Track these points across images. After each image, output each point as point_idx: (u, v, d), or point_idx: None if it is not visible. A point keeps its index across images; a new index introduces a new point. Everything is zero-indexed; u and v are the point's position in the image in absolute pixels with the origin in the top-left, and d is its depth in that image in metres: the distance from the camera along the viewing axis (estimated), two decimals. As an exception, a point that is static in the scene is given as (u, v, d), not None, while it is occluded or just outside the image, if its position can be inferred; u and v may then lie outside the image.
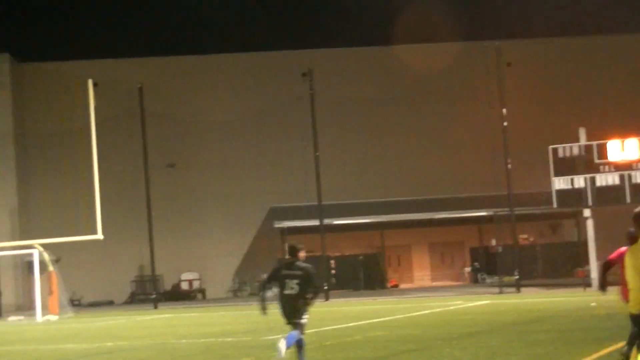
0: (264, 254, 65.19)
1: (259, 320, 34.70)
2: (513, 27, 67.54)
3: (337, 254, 63.25)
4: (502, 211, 51.33)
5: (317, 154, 51.96)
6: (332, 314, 36.55)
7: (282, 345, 16.13)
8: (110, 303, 64.16)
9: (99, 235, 46.43)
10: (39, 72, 67.63)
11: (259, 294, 17.26)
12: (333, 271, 60.98)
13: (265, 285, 17.04)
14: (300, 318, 16.39)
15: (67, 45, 74.25)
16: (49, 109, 65.00)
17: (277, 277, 16.63)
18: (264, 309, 16.82)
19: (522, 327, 24.19)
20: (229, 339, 26.14)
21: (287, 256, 17.22)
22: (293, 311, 16.37)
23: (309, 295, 16.41)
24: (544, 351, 18.41)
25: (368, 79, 67.27)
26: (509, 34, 64.91)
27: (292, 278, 16.33)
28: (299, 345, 16.58)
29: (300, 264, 16.46)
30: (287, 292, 16.35)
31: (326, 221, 53.75)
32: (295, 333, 16.34)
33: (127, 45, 74.71)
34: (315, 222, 52.82)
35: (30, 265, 51.12)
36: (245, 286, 65.83)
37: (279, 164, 66.54)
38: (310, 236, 57.75)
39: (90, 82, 47.57)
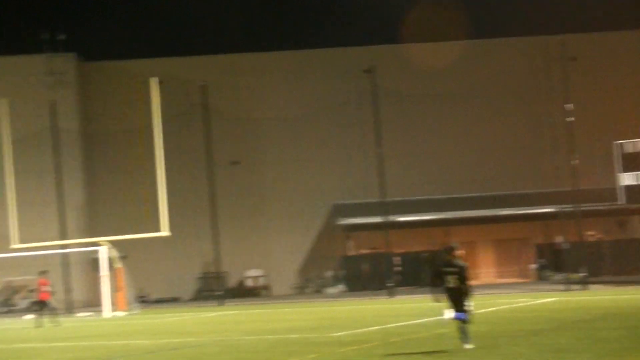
0: (329, 251, 65.44)
1: (323, 317, 34.95)
2: (577, 20, 66.73)
3: (402, 250, 63.08)
4: (568, 207, 50.84)
5: (380, 150, 51.83)
6: (397, 311, 36.54)
7: (450, 314, 19.15)
8: (176, 300, 64.77)
9: (165, 232, 46.84)
10: (104, 70, 68.50)
11: (430, 286, 19.81)
12: (398, 268, 60.82)
13: (433, 281, 19.66)
14: (464, 307, 18.97)
15: (132, 43, 75.02)
16: (115, 107, 65.82)
17: (439, 274, 19.34)
18: (436, 300, 19.50)
19: (589, 324, 23.93)
20: (294, 336, 26.22)
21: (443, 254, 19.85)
22: (456, 302, 18.98)
23: (465, 288, 19.00)
24: (611, 348, 18.22)
25: (430, 75, 67.02)
26: (573, 28, 64.17)
27: (451, 274, 19.02)
28: (463, 323, 19.17)
29: (457, 261, 19.20)
30: (449, 286, 19.02)
31: (390, 218, 53.63)
32: (463, 315, 19.02)
33: (191, 43, 75.29)
34: (379, 219, 52.74)
35: (97, 262, 51.77)
36: (310, 283, 66.03)
37: (342, 161, 66.57)
38: (374, 233, 57.82)
39: (154, 81, 47.99)
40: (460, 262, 19.20)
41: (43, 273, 42.64)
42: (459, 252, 19.47)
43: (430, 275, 20.50)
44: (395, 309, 38.91)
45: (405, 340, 22.64)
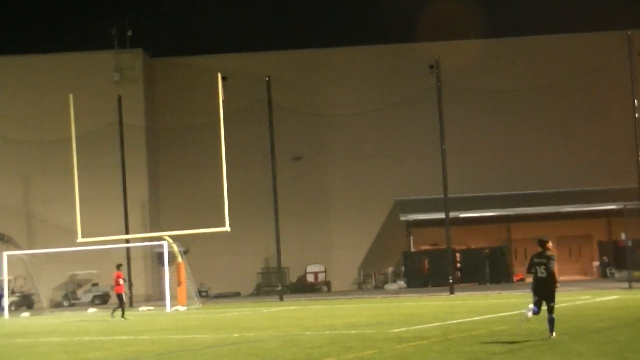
0: (389, 247, 65.40)
1: (383, 313, 34.93)
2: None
3: (463, 247, 62.88)
4: (632, 204, 50.23)
5: (444, 146, 51.64)
6: (457, 308, 36.41)
7: (529, 312, 20.48)
8: (236, 294, 65.17)
9: (227, 228, 47.11)
10: (170, 66, 69.18)
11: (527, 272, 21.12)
12: (458, 264, 60.63)
13: (529, 270, 20.91)
14: (552, 301, 20.38)
15: (198, 39, 75.62)
16: (180, 102, 66.48)
17: (531, 264, 20.68)
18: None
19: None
20: (353, 332, 26.24)
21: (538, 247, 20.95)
22: (545, 292, 20.39)
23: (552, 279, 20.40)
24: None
25: (495, 70, 66.78)
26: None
27: (540, 265, 20.43)
28: (551, 322, 20.55)
29: (547, 253, 20.59)
30: (539, 275, 20.43)
31: (452, 214, 53.42)
32: (552, 317, 20.44)
33: (255, 39, 75.69)
34: (441, 215, 52.57)
35: (159, 256, 52.28)
36: (370, 279, 66.04)
37: (405, 157, 66.52)
38: (435, 229, 57.67)
39: (219, 76, 48.30)
40: (550, 254, 20.69)
41: (119, 267, 43.11)
42: (550, 245, 20.98)
43: (526, 266, 21.26)
44: (454, 305, 38.77)
45: (464, 337, 22.55)
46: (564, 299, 37.90)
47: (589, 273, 64.12)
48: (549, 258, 20.62)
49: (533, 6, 69.48)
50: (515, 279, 61.83)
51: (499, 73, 66.75)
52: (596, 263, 63.85)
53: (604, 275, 61.19)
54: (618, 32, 57.79)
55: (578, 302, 35.98)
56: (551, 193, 63.77)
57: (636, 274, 49.48)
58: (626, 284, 46.63)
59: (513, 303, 37.50)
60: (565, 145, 66.20)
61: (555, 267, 20.70)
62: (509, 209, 63.08)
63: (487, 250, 62.39)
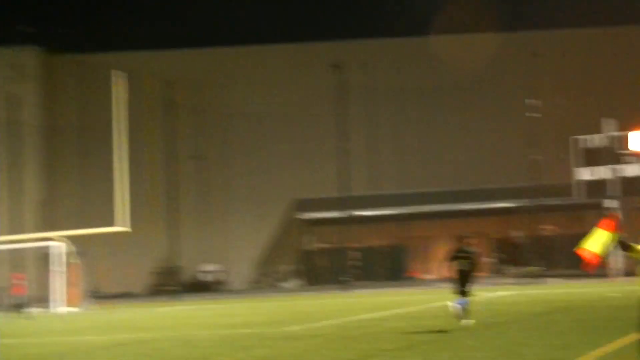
0: (287, 246, 65.34)
1: (279, 312, 34.84)
2: (541, 18, 67.04)
3: (361, 245, 63.15)
4: (526, 202, 51.11)
5: (344, 145, 51.71)
6: (353, 305, 36.53)
7: (454, 305, 22.47)
8: (131, 294, 64.26)
9: (125, 228, 46.36)
10: (69, 64, 67.85)
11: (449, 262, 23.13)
12: (355, 262, 60.87)
13: (450, 262, 22.92)
14: (468, 287, 22.55)
15: (98, 37, 74.24)
16: (78, 101, 65.30)
17: (454, 257, 22.77)
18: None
19: (543, 317, 24.07)
20: (249, 330, 26.09)
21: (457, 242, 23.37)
22: (464, 282, 22.49)
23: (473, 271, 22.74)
24: (564, 342, 18.27)
25: (397, 71, 67.14)
26: (537, 25, 64.44)
27: (463, 258, 22.56)
28: (464, 307, 22.47)
29: (469, 248, 22.87)
30: (460, 268, 22.48)
31: (349, 213, 53.59)
32: (463, 300, 22.36)
33: (158, 37, 74.64)
34: (339, 214, 52.71)
35: (50, 257, 51.26)
36: (267, 277, 65.88)
37: (305, 156, 66.51)
38: (333, 228, 57.81)
39: (120, 75, 47.51)
40: (471, 249, 23.01)
41: (17, 268, 42.08)
42: (471, 241, 23.62)
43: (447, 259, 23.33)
44: (351, 303, 38.91)
45: (360, 335, 22.59)
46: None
47: (484, 270, 64.96)
48: (471, 252, 22.75)
49: (433, 5, 70.01)
50: (412, 276, 62.32)
51: (400, 73, 67.13)
52: (490, 260, 64.75)
53: (498, 272, 62.10)
54: (516, 33, 58.73)
55: (472, 299, 36.32)
56: (448, 191, 64.43)
57: (529, 270, 50.42)
58: (519, 280, 47.43)
59: (408, 300, 37.83)
60: (461, 144, 66.94)
61: (478, 261, 23.39)
62: (406, 208, 63.58)
63: (384, 248, 62.79)
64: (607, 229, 11.08)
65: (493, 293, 39.52)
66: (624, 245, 11.18)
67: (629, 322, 20.36)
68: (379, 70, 66.68)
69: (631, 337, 17.47)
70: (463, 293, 22.57)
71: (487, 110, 66.78)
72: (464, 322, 22.23)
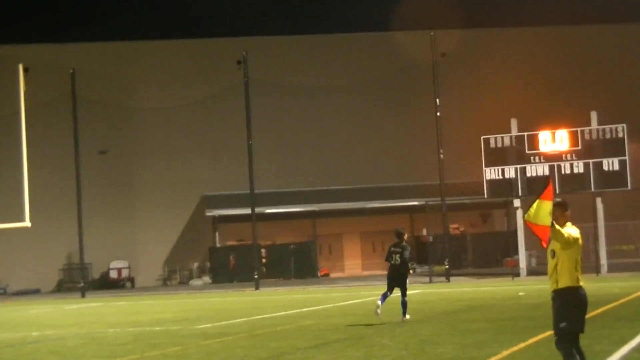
0: (196, 243, 64.95)
1: (189, 309, 34.57)
2: (449, 17, 67.67)
3: (269, 242, 63.10)
4: (434, 201, 51.58)
5: (251, 142, 51.60)
6: (262, 303, 36.42)
7: (405, 316, 23.05)
8: (37, 291, 63.19)
9: (27, 223, 45.54)
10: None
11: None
12: (264, 260, 60.83)
13: (387, 259, 23.59)
14: (404, 285, 23.25)
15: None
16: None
17: (389, 253, 23.48)
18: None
19: (451, 316, 24.29)
20: (158, 328, 25.82)
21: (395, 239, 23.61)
22: (398, 278, 23.24)
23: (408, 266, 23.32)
24: (473, 340, 18.44)
25: (304, 67, 67.22)
26: (446, 25, 65.05)
27: (396, 253, 23.22)
28: (404, 305, 23.15)
29: (403, 243, 23.30)
30: (393, 263, 23.28)
31: (258, 209, 53.48)
32: (405, 301, 23.17)
33: (61, 29, 73.42)
34: (248, 211, 52.54)
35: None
36: (175, 274, 65.35)
37: (213, 152, 66.13)
38: (242, 224, 57.56)
39: (20, 67, 46.58)
40: (404, 244, 23.39)
41: None
42: (406, 237, 23.94)
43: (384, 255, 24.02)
44: (260, 301, 38.80)
45: (270, 333, 22.52)
46: (368, 293, 38.49)
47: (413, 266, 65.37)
48: (404, 248, 23.20)
49: (343, 4, 70.28)
50: (320, 273, 62.46)
51: (307, 69, 67.22)
52: (399, 258, 65.21)
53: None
54: (423, 32, 59.12)
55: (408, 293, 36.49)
56: (357, 189, 64.74)
57: (437, 268, 50.87)
58: (427, 279, 47.82)
59: (318, 298, 37.86)
60: (371, 142, 67.29)
61: (408, 256, 23.30)
62: (315, 205, 63.70)
63: (293, 246, 62.83)
64: (549, 198, 11.08)
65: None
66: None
67: (538, 321, 20.71)
68: (286, 66, 66.67)
69: (541, 336, 17.74)
70: (402, 290, 23.30)
71: (398, 109, 67.25)
72: (406, 318, 23.12)
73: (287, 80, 64.83)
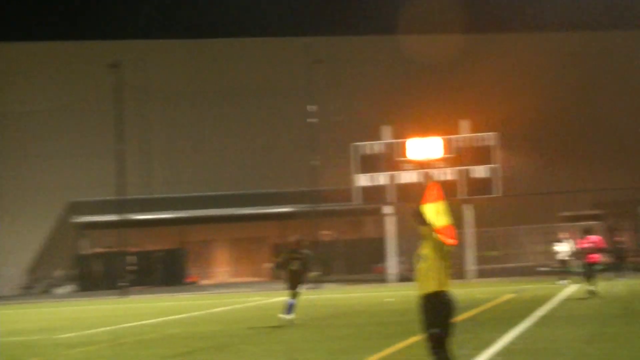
0: (60, 250, 63.35)
1: (51, 319, 33.52)
2: (323, 24, 67.94)
3: (138, 249, 61.99)
4: (305, 207, 51.48)
5: (120, 147, 50.61)
6: (130, 311, 35.65)
7: (288, 315, 23.38)
8: None
9: None
10: None
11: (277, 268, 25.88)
12: (132, 267, 59.66)
13: (283, 265, 23.98)
14: (299, 288, 23.73)
15: None
16: None
17: (286, 259, 23.82)
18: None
19: (321, 322, 24.11)
20: (18, 339, 24.86)
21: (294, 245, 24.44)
22: (295, 282, 23.56)
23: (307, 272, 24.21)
24: (342, 346, 18.27)
25: (177, 72, 66.44)
26: (318, 31, 65.25)
27: (294, 259, 23.65)
28: (292, 305, 23.64)
29: (301, 250, 23.95)
30: (292, 268, 23.56)
31: (126, 216, 52.52)
32: (293, 301, 23.48)
33: None
34: (115, 217, 51.52)
35: None
36: (39, 282, 63.53)
37: (81, 157, 64.63)
38: (109, 231, 56.47)
39: None
40: (305, 251, 24.14)
41: None
42: (304, 243, 24.80)
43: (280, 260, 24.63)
44: (127, 309, 37.96)
45: (136, 341, 21.93)
46: (237, 300, 38.14)
47: (262, 275, 65.14)
48: (303, 254, 23.89)
49: (218, 8, 69.68)
50: (189, 281, 61.69)
51: (180, 74, 66.47)
52: (269, 265, 64.95)
53: (276, 277, 62.28)
54: (297, 38, 59.15)
55: (250, 304, 36.26)
56: (227, 195, 64.17)
57: (310, 276, 50.66)
58: (297, 285, 47.56)
59: (187, 305, 37.29)
60: (242, 148, 66.86)
61: (309, 263, 24.39)
62: (184, 211, 62.86)
63: (161, 253, 61.90)
64: (441, 198, 10.97)
65: (272, 298, 39.48)
66: (422, 219, 11.03)
67: (406, 326, 20.64)
68: (157, 71, 65.82)
69: (409, 341, 17.67)
70: (294, 294, 23.57)
71: (268, 115, 67.03)
72: (288, 317, 23.47)
73: (159, 85, 63.99)
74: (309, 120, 49.87)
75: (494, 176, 45.13)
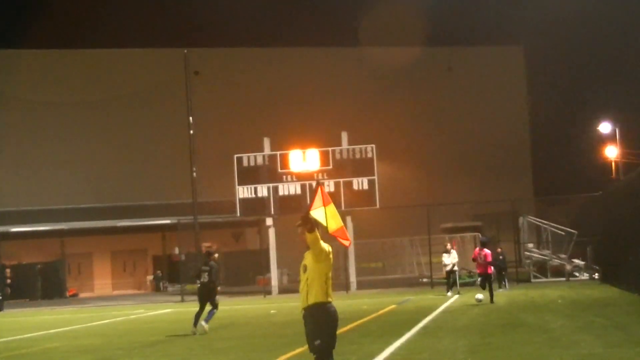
0: None
1: None
2: (202, 35, 67.81)
3: (14, 262, 60.69)
4: (186, 219, 51.17)
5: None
6: (7, 325, 34.82)
7: (205, 323, 23.87)
8: None
9: None
10: None
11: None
12: (9, 280, 58.36)
13: (195, 278, 24.68)
14: (214, 299, 24.12)
15: None
16: None
17: (198, 271, 24.27)
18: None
19: (204, 335, 23.95)
20: None
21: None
22: (206, 294, 23.99)
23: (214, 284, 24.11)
24: (227, 359, 18.23)
25: (53, 82, 65.35)
26: (198, 42, 65.09)
27: (204, 272, 24.06)
28: (211, 314, 24.20)
29: (211, 262, 24.15)
30: (202, 280, 24.03)
31: (2, 228, 51.37)
32: (213, 311, 24.07)
33: None
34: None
35: None
36: None
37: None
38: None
39: None
40: (213, 263, 24.27)
41: None
42: (215, 256, 24.90)
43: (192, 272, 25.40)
44: (4, 322, 37.08)
45: (14, 356, 21.47)
46: (119, 313, 37.65)
47: (143, 287, 64.52)
48: (212, 267, 24.11)
49: (94, 19, 68.86)
50: (68, 294, 60.67)
51: (57, 84, 65.40)
52: (150, 277, 64.39)
53: (157, 289, 61.82)
54: (176, 49, 58.81)
55: (132, 317, 35.83)
56: (107, 207, 63.40)
57: (189, 287, 50.44)
58: (179, 297, 47.33)
59: (67, 319, 36.63)
60: (122, 160, 66.14)
61: (218, 275, 24.65)
62: (63, 223, 61.81)
63: (40, 265, 60.68)
64: (329, 201, 11.07)
65: (154, 311, 39.14)
66: (312, 225, 11.08)
67: (290, 339, 20.73)
68: (35, 81, 64.71)
69: (292, 353, 17.74)
70: (212, 304, 24.13)
71: (150, 126, 66.53)
72: (206, 327, 24.10)
73: (34, 95, 62.89)
74: (191, 131, 49.58)
75: (373, 188, 45.60)
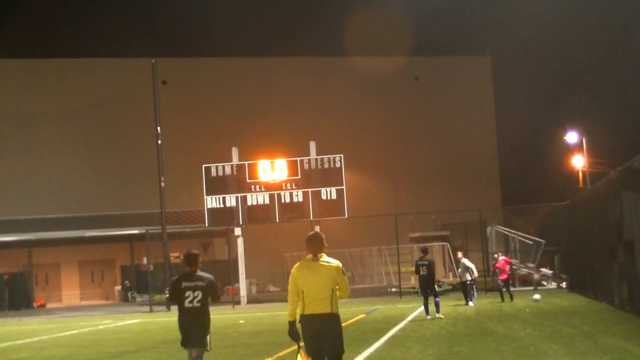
0: None
1: None
2: (169, 45, 67.73)
3: (-20, 273, 60.21)
4: (154, 229, 50.99)
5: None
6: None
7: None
8: None
9: None
10: None
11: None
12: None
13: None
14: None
15: None
16: None
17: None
18: None
19: (170, 345, 23.87)
20: None
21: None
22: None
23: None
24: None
25: (20, 92, 64.97)
26: (166, 52, 65.01)
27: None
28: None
29: (201, 273, 14.28)
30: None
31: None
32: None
33: None
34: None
35: None
36: None
37: None
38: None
39: None
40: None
41: None
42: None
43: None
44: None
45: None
46: (86, 324, 37.43)
47: (111, 297, 64.16)
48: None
49: (62, 29, 68.53)
50: (36, 304, 60.20)
51: (23, 95, 65.02)
52: (118, 287, 64.04)
53: (125, 300, 61.51)
54: (143, 59, 58.65)
55: (100, 327, 35.64)
56: (74, 217, 63.05)
57: (157, 297, 50.27)
58: (147, 308, 47.15)
59: (34, 330, 36.40)
60: (90, 170, 65.81)
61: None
62: (30, 234, 61.32)
63: (6, 276, 60.17)
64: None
65: (122, 321, 38.97)
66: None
67: (257, 348, 20.71)
68: (5, 91, 64.40)
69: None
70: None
71: (117, 136, 66.27)
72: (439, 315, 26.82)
73: (4, 104, 62.56)
74: (159, 141, 49.36)
75: (341, 197, 45.65)
